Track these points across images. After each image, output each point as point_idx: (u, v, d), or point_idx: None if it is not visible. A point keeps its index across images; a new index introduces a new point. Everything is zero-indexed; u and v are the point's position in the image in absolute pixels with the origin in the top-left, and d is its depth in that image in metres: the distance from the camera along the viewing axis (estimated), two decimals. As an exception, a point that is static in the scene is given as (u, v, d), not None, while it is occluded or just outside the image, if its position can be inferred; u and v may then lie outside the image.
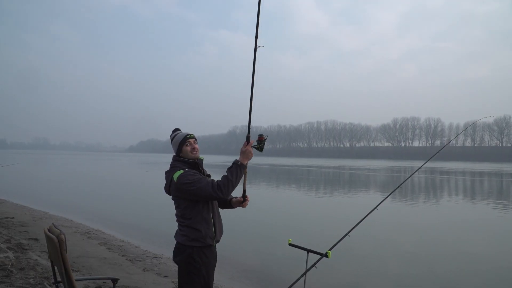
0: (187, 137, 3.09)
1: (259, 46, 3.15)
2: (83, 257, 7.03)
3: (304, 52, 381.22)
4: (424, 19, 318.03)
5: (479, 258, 8.72)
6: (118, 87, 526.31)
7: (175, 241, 3.05)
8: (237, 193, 3.13)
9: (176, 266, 3.00)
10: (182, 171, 2.93)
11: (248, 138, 3.07)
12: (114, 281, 3.35)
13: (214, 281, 3.11)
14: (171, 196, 3.07)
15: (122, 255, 7.59)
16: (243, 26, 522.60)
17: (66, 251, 2.60)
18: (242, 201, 3.23)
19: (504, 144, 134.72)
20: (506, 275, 7.54)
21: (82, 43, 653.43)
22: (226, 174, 2.91)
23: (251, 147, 3.03)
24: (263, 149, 3.11)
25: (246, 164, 3.02)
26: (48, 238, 2.74)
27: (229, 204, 3.27)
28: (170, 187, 2.99)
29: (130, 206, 16.04)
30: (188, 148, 3.06)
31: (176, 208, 3.04)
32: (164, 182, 3.10)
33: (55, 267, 2.88)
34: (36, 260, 6.28)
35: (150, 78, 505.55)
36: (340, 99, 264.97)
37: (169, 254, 7.84)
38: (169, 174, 3.03)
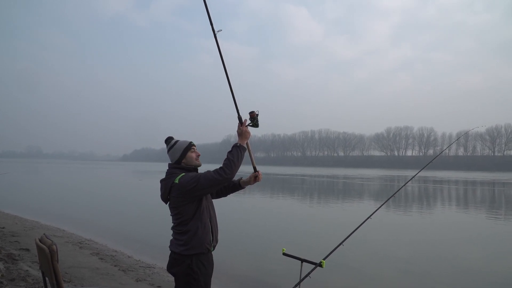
0: (192, 144, 3.08)
1: (218, 31, 3.09)
2: (75, 267, 6.94)
3: (299, 61, 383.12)
4: (417, 30, 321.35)
5: (472, 267, 8.73)
6: (112, 96, 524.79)
7: (168, 251, 3.00)
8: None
9: (170, 276, 2.96)
10: (183, 174, 2.91)
11: (240, 118, 3.06)
12: (106, 291, 3.31)
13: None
14: (167, 204, 3.01)
15: (115, 265, 7.51)
16: (237, 35, 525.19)
17: (57, 262, 2.57)
18: (255, 176, 3.23)
19: (496, 154, 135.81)
20: (498, 283, 7.54)
21: (76, 52, 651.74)
22: (227, 156, 2.89)
23: (246, 126, 3.03)
24: (258, 124, 3.10)
25: (246, 144, 3.02)
26: (39, 249, 2.70)
27: (238, 186, 3.26)
28: (170, 193, 2.90)
29: (123, 215, 15.92)
30: (194, 154, 3.06)
31: (174, 215, 2.96)
32: (159, 190, 3.05)
33: (46, 278, 2.84)
34: (27, 270, 6.19)
35: (145, 87, 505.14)
36: (334, 108, 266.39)
37: (163, 264, 7.78)
38: (166, 181, 2.95)
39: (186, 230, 2.87)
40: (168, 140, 3.12)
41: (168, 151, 3.07)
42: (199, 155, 3.10)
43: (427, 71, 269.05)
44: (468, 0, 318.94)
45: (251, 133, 3.07)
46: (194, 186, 2.80)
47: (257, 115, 3.10)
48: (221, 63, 3.19)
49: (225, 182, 2.86)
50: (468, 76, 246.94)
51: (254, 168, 3.26)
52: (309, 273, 3.59)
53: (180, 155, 3.02)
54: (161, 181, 3.02)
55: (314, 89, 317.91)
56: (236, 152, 2.90)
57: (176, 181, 2.86)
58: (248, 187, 3.38)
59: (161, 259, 8.15)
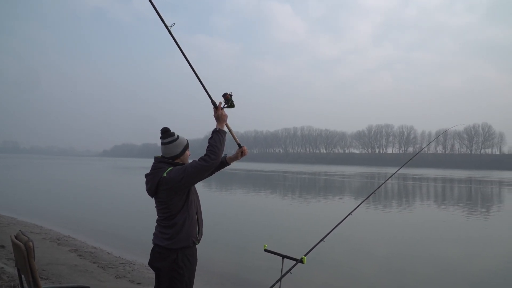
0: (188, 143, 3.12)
1: (171, 25, 3.03)
2: (53, 264, 6.82)
3: (283, 59, 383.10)
4: (398, 29, 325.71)
5: (450, 262, 8.90)
6: (93, 90, 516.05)
7: (149, 247, 2.98)
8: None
9: (151, 273, 2.94)
10: (171, 167, 2.90)
11: (214, 103, 3.05)
12: (85, 289, 3.26)
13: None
14: (154, 198, 2.98)
15: (94, 262, 7.40)
16: (221, 31, 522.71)
17: (34, 259, 2.51)
18: (241, 151, 3.29)
19: (473, 152, 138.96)
20: (476, 279, 7.73)
21: (57, 45, 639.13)
22: (209, 143, 2.91)
23: (222, 108, 3.03)
24: (234, 104, 3.10)
25: (224, 127, 3.03)
26: (15, 246, 2.64)
27: (225, 163, 3.29)
28: (158, 187, 2.86)
29: (103, 211, 15.70)
30: (189, 153, 3.09)
31: (161, 209, 2.93)
32: (140, 186, 3.02)
33: (22, 276, 2.77)
34: (3, 268, 6.05)
35: (127, 81, 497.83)
36: (316, 105, 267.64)
37: (143, 260, 7.72)
38: (153, 175, 2.91)
39: (173, 223, 2.86)
40: (169, 132, 3.04)
41: (169, 143, 3.00)
42: (189, 155, 3.12)
43: (408, 70, 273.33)
44: (449, 1, 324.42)
45: (229, 114, 3.07)
46: (182, 177, 2.78)
47: (231, 95, 3.09)
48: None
49: (212, 168, 2.87)
50: (448, 76, 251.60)
51: (239, 144, 3.31)
52: (290, 269, 3.61)
53: (181, 151, 3.02)
54: (147, 175, 2.99)
55: (297, 86, 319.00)
56: (217, 137, 2.92)
57: (165, 174, 2.84)
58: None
59: (142, 255, 8.06)
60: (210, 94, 3.11)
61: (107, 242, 9.73)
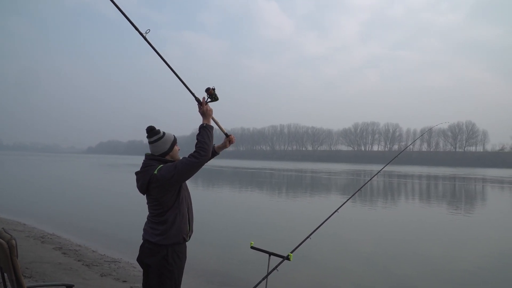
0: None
1: (146, 32, 2.97)
2: (36, 262, 6.73)
3: (269, 56, 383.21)
4: (384, 28, 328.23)
5: (434, 258, 9.03)
6: (77, 86, 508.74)
7: (136, 245, 2.97)
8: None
9: (136, 271, 2.94)
10: (161, 165, 2.89)
11: (197, 100, 3.05)
12: (69, 287, 3.22)
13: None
14: (145, 195, 2.98)
15: (79, 260, 7.32)
16: (208, 28, 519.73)
17: (17, 257, 2.47)
18: (228, 140, 3.38)
19: (457, 150, 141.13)
20: (459, 276, 7.86)
21: (39, 40, 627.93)
22: (197, 139, 2.92)
23: (206, 103, 3.04)
24: (218, 97, 3.10)
25: (211, 121, 3.04)
26: (-3, 243, 2.59)
27: (214, 152, 3.35)
28: (149, 185, 2.85)
29: (88, 209, 15.52)
30: (178, 148, 3.10)
31: (152, 206, 2.94)
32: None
33: (5, 274, 2.73)
34: (-15, 266, 5.95)
35: (114, 77, 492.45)
36: (303, 103, 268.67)
37: (128, 258, 7.67)
38: (144, 173, 2.90)
39: (165, 220, 2.88)
40: (154, 130, 3.03)
41: (156, 141, 2.99)
42: (179, 150, 3.13)
43: (394, 69, 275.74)
44: (434, 0, 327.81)
45: (214, 108, 3.08)
46: (173, 175, 2.78)
47: (214, 89, 3.09)
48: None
49: (203, 163, 2.89)
50: (433, 75, 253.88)
51: (226, 134, 3.39)
52: (276, 266, 3.62)
53: (169, 147, 3.02)
54: (137, 173, 2.98)
55: (284, 83, 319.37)
56: (205, 133, 2.93)
57: (155, 172, 2.83)
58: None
59: (127, 253, 8.01)
60: (196, 90, 3.11)
61: (92, 240, 9.64)
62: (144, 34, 2.97)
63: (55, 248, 8.23)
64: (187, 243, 3.08)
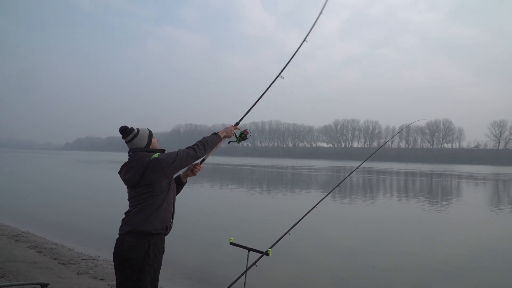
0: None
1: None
2: (10, 261, 6.56)
3: (251, 52, 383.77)
4: (365, 26, 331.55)
5: (412, 253, 9.20)
6: (54, 81, 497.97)
7: (114, 242, 2.95)
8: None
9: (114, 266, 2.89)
10: (158, 153, 3.05)
11: (237, 124, 3.51)
12: (44, 286, 3.15)
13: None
14: (131, 187, 3.01)
15: (55, 259, 7.17)
16: (189, 23, 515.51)
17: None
18: (191, 169, 3.36)
19: (435, 146, 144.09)
20: (437, 269, 8.01)
21: (11, 33, 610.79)
22: (204, 138, 3.21)
23: (234, 129, 3.42)
24: (240, 142, 3.49)
25: (223, 137, 3.34)
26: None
27: (181, 183, 3.38)
28: (145, 171, 2.92)
29: (64, 206, 15.20)
30: (156, 140, 3.22)
31: (141, 193, 2.96)
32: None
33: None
34: (-45, 265, 5.77)
35: (91, 71, 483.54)
36: (284, 100, 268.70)
37: (106, 256, 7.56)
38: (139, 161, 2.97)
39: (153, 202, 2.94)
40: (127, 129, 3.09)
41: (132, 139, 3.07)
42: (157, 141, 3.24)
43: (374, 66, 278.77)
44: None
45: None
46: (174, 160, 2.97)
47: (245, 137, 3.52)
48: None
49: (198, 159, 3.14)
50: (411, 73, 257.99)
51: (202, 160, 3.39)
52: (255, 262, 3.62)
53: (147, 140, 3.10)
54: (127, 163, 3.04)
55: (265, 80, 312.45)
56: (214, 138, 3.25)
57: (156, 155, 2.98)
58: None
59: (105, 251, 7.89)
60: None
61: (68, 238, 9.44)
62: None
63: (29, 246, 8.03)
64: (166, 238, 3.10)
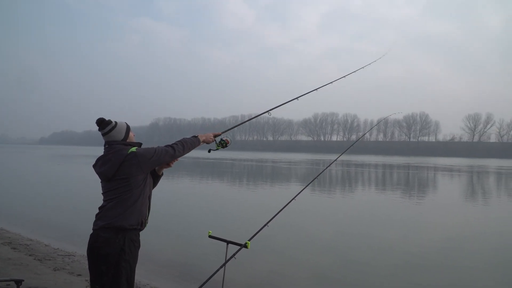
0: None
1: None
2: (-17, 258, 6.40)
3: (231, 46, 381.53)
4: (343, 20, 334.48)
5: (389, 246, 9.37)
6: (28, 74, 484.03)
7: (88, 237, 2.90)
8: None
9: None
10: (136, 147, 3.01)
11: (218, 135, 3.52)
12: (18, 282, 3.10)
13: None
14: (106, 182, 2.95)
15: (30, 255, 7.03)
16: (167, 15, 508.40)
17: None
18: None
19: (411, 139, 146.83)
20: (414, 261, 8.20)
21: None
22: (183, 139, 3.22)
23: (214, 137, 3.47)
24: (218, 148, 3.52)
25: (202, 141, 3.36)
26: None
27: (157, 175, 3.33)
28: (121, 165, 2.87)
29: (39, 202, 14.92)
30: (133, 134, 3.17)
31: (117, 188, 2.90)
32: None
33: None
34: None
35: (68, 65, 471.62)
36: (264, 93, 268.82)
37: (83, 251, 7.42)
38: (115, 154, 2.92)
39: (129, 197, 2.90)
40: (105, 121, 3.06)
41: (109, 131, 3.03)
42: (134, 135, 3.19)
43: (352, 60, 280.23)
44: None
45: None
46: (152, 155, 2.96)
47: (224, 145, 3.52)
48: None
49: (175, 158, 3.14)
50: (389, 67, 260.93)
51: (179, 156, 3.37)
52: (234, 254, 3.63)
53: (125, 134, 3.08)
54: (103, 156, 2.99)
55: (245, 74, 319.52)
56: (193, 141, 3.26)
57: (134, 150, 2.94)
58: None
59: (82, 246, 7.73)
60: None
61: (44, 234, 9.28)
62: None
63: (3, 243, 7.85)
64: (142, 232, 3.07)
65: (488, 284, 6.85)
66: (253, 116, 4.21)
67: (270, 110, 4.11)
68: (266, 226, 4.04)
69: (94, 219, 2.98)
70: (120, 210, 2.87)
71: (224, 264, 3.61)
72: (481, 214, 14.74)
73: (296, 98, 4.47)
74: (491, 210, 15.94)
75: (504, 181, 31.54)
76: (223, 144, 3.53)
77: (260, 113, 4.20)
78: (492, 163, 68.80)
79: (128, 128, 3.13)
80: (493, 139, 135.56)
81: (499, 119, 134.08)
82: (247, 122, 4.65)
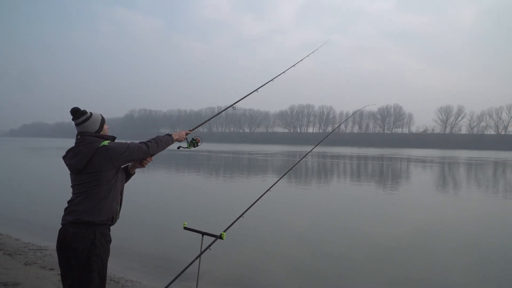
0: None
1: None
2: (-50, 254, 6.19)
3: (206, 37, 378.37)
4: (320, 12, 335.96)
5: (365, 236, 9.55)
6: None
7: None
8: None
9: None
10: (108, 140, 2.93)
11: (190, 132, 3.58)
12: (-14, 278, 2.99)
13: (107, 271, 2.97)
14: (76, 174, 2.86)
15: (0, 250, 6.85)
16: (142, 4, 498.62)
17: None
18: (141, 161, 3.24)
19: (386, 131, 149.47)
20: (388, 252, 8.38)
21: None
22: (157, 137, 3.20)
23: (186, 135, 3.50)
24: (188, 148, 3.56)
25: (175, 139, 3.37)
26: None
27: (129, 173, 3.26)
28: (92, 158, 2.80)
29: (9, 195, 14.51)
30: (107, 127, 3.11)
31: (86, 181, 2.82)
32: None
33: None
34: None
35: (36, 54, 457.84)
36: (240, 85, 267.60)
37: (56, 245, 7.28)
38: (86, 147, 2.85)
39: (98, 192, 2.83)
40: (80, 111, 2.98)
41: (83, 122, 2.95)
42: (108, 128, 3.14)
43: (328, 53, 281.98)
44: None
45: (177, 137, 3.42)
46: (125, 150, 2.91)
47: (195, 143, 3.59)
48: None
49: (148, 155, 3.12)
50: (364, 60, 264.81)
51: (153, 154, 3.29)
52: (209, 246, 3.63)
53: (100, 125, 3.02)
54: (73, 148, 2.90)
55: (221, 65, 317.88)
56: (166, 139, 3.26)
57: (106, 143, 2.86)
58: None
59: (54, 240, 7.58)
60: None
61: (14, 227, 9.04)
62: None
63: (-29, 237, 7.62)
64: (117, 226, 3.04)
65: (461, 273, 7.07)
66: (216, 114, 4.24)
67: (234, 104, 4.20)
68: (242, 217, 4.05)
69: (61, 210, 2.92)
70: (89, 205, 2.80)
71: (199, 256, 3.60)
72: (452, 204, 15.18)
73: (256, 90, 4.57)
74: (462, 200, 16.43)
75: (474, 172, 32.53)
76: (194, 144, 3.58)
77: (223, 109, 4.28)
78: (463, 154, 70.83)
79: (103, 120, 3.06)
80: (464, 131, 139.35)
81: (470, 112, 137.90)
82: (223, 113, 4.65)
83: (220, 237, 3.60)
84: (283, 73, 5.02)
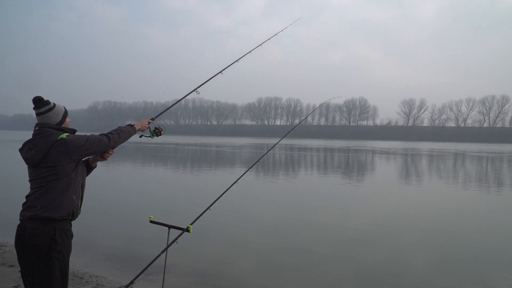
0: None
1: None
2: None
3: (172, 27, 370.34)
4: (287, 5, 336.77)
5: (331, 228, 9.74)
6: None
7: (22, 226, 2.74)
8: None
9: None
10: (67, 133, 2.84)
11: (152, 120, 3.46)
12: None
13: (71, 267, 2.90)
14: (33, 167, 2.77)
15: (-46, 247, 6.54)
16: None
17: None
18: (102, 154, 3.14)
19: (351, 124, 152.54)
20: (354, 244, 8.59)
21: None
22: (119, 127, 3.11)
23: (148, 124, 3.40)
24: (151, 138, 3.48)
25: (137, 129, 3.27)
26: None
27: (90, 167, 3.19)
28: (51, 149, 2.71)
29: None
30: (69, 121, 3.03)
31: (44, 176, 2.73)
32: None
33: None
34: None
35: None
36: (207, 77, 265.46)
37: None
38: (44, 139, 2.74)
39: (57, 186, 2.74)
40: (42, 101, 2.87)
41: (45, 112, 2.85)
42: (70, 122, 3.05)
43: (295, 45, 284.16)
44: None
45: (140, 127, 3.32)
46: (84, 144, 2.81)
47: (159, 133, 3.48)
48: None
49: (109, 148, 3.02)
50: (330, 52, 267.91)
51: (114, 146, 3.19)
52: (176, 239, 3.61)
53: (61, 119, 2.91)
54: (30, 141, 2.79)
55: (187, 56, 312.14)
56: (128, 129, 3.16)
57: (64, 136, 2.78)
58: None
59: (13, 236, 7.34)
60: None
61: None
62: None
63: None
64: (80, 220, 3.00)
65: (425, 258, 7.35)
66: (179, 99, 4.16)
67: (197, 88, 4.25)
68: (209, 210, 4.04)
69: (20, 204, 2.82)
70: (48, 200, 2.71)
71: (165, 249, 3.58)
72: (415, 194, 15.71)
73: (220, 72, 4.67)
74: (424, 189, 17.02)
75: (435, 163, 33.76)
76: (157, 133, 3.49)
77: (187, 93, 4.21)
78: (425, 146, 73.32)
79: (65, 113, 2.97)
80: (426, 123, 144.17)
81: (432, 104, 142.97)
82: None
83: (187, 230, 3.58)
84: (249, 53, 5.09)
